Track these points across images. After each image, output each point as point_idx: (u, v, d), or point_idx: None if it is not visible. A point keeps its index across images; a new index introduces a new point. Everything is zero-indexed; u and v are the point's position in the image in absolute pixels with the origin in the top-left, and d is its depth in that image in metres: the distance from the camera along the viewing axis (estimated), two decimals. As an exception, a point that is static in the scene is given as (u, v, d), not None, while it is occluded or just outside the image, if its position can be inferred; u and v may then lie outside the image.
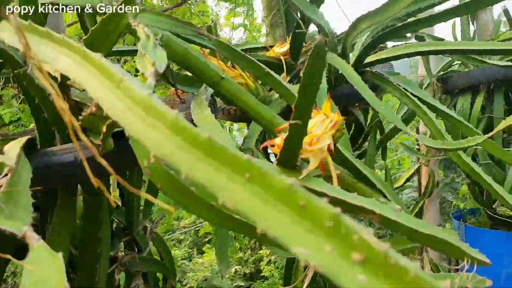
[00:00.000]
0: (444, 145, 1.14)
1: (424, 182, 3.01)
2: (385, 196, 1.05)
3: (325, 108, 0.86)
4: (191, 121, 0.98)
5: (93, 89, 0.40)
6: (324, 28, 1.34)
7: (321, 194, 0.69)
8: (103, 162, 0.41)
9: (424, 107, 1.32)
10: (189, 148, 0.32)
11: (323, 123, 0.79)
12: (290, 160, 0.72)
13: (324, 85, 1.18)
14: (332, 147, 0.79)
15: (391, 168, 5.88)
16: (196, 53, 0.98)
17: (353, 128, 1.85)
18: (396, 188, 3.36)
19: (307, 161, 0.78)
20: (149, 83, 0.53)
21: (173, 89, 1.18)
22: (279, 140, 0.72)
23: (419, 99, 1.40)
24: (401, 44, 1.67)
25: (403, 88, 1.43)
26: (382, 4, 1.20)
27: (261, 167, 0.29)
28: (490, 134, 1.09)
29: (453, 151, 1.17)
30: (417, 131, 3.32)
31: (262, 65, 0.97)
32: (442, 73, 2.83)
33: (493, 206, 2.72)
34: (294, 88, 1.29)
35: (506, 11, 3.10)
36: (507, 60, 2.35)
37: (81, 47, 0.42)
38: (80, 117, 0.61)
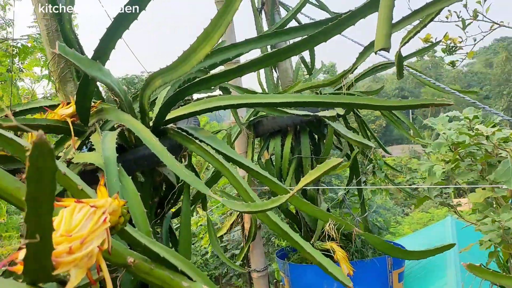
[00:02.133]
0: (248, 207, 1.08)
1: (247, 226, 3.02)
2: (190, 278, 0.93)
3: (101, 194, 0.71)
4: None
5: None
6: (114, 87, 1.20)
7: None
8: None
9: (229, 166, 1.26)
10: None
11: (93, 218, 0.63)
12: (43, 278, 0.55)
13: (112, 153, 1.02)
14: (107, 245, 0.64)
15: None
16: None
17: (164, 187, 1.72)
18: (221, 236, 3.32)
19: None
20: None
21: None
22: (22, 255, 0.53)
23: (225, 156, 1.34)
24: (204, 98, 1.62)
25: (207, 145, 1.35)
26: (173, 62, 1.11)
27: None
28: (293, 192, 1.06)
29: (258, 213, 1.12)
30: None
31: (13, 137, 0.78)
32: (252, 118, 2.92)
33: (311, 242, 2.85)
34: (81, 157, 1.11)
35: (302, 59, 3.41)
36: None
37: None
38: None
